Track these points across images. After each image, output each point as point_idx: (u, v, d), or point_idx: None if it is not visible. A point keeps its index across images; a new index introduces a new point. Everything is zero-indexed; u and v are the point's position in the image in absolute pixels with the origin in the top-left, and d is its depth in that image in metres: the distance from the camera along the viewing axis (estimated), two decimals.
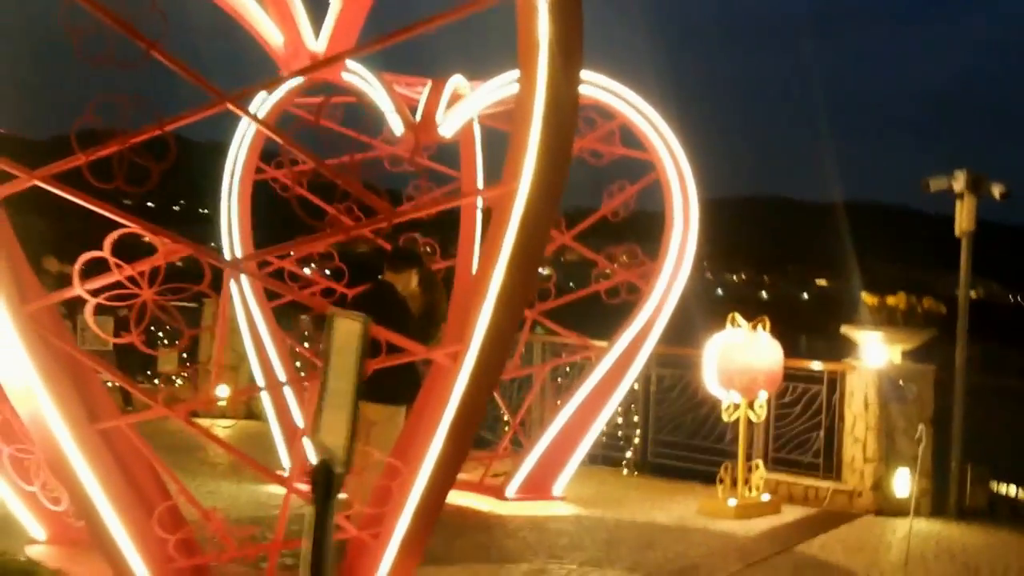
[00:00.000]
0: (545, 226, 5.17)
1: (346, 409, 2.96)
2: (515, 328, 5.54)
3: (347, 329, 3.42)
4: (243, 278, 8.77)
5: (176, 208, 68.45)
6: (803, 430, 10.30)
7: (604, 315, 9.86)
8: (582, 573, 6.95)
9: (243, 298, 9.08)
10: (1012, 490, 9.58)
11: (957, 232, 10.31)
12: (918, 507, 9.67)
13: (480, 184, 9.52)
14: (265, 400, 9.26)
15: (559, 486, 9.14)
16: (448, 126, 8.46)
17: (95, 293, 4.74)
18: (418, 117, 8.36)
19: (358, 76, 7.69)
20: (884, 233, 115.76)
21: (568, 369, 10.84)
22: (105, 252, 4.65)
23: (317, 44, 7.03)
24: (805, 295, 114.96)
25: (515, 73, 8.64)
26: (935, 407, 9.94)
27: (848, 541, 8.43)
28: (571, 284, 11.45)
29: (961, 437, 9.93)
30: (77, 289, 4.70)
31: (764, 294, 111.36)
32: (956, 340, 10.26)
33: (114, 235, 4.61)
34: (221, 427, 9.69)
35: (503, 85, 8.58)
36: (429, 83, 8.36)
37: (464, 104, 8.61)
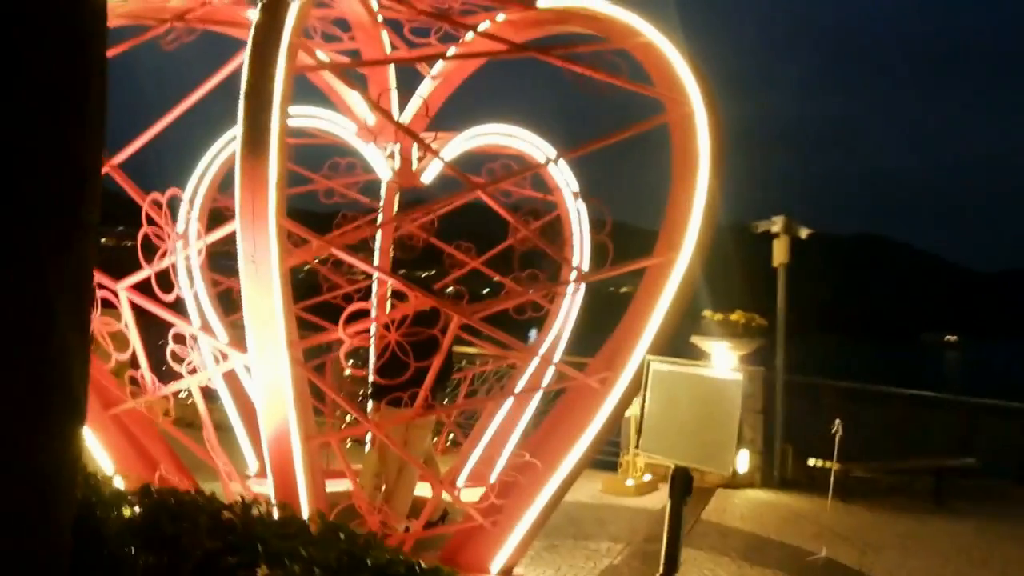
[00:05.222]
0: (693, 287, 6.80)
1: (731, 440, 4.59)
2: None
3: (664, 374, 5.04)
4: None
5: None
6: None
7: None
8: (583, 545, 8.69)
9: (199, 307, 9.74)
10: (816, 463, 12.31)
11: (775, 263, 12.99)
12: (752, 480, 12.36)
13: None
14: (230, 408, 10.01)
15: (495, 476, 10.73)
16: (427, 174, 9.81)
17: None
18: (396, 163, 9.69)
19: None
20: None
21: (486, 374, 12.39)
22: (364, 305, 5.77)
23: (402, 118, 8.13)
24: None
25: (481, 128, 10.20)
26: (763, 400, 12.61)
27: (730, 510, 10.76)
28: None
29: (783, 423, 12.64)
30: (339, 332, 5.76)
31: None
32: (776, 347, 12.96)
33: (380, 292, 5.74)
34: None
35: (471, 138, 10.05)
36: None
37: (441, 155, 9.97)
